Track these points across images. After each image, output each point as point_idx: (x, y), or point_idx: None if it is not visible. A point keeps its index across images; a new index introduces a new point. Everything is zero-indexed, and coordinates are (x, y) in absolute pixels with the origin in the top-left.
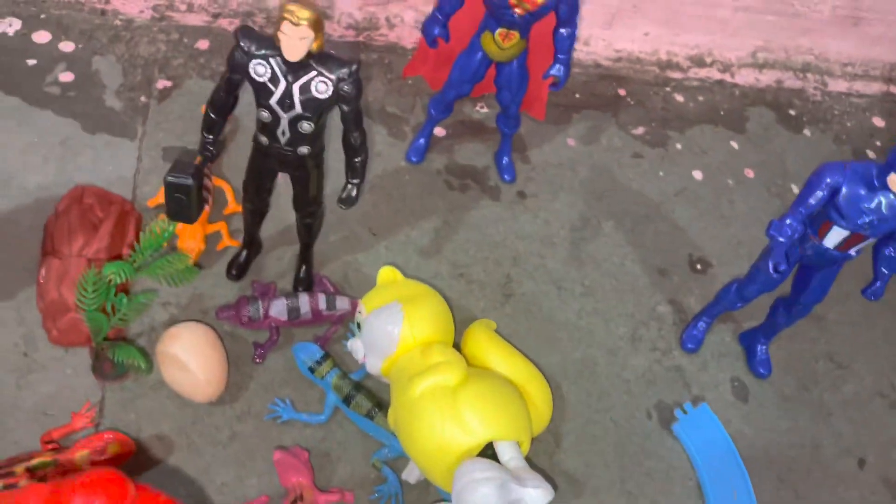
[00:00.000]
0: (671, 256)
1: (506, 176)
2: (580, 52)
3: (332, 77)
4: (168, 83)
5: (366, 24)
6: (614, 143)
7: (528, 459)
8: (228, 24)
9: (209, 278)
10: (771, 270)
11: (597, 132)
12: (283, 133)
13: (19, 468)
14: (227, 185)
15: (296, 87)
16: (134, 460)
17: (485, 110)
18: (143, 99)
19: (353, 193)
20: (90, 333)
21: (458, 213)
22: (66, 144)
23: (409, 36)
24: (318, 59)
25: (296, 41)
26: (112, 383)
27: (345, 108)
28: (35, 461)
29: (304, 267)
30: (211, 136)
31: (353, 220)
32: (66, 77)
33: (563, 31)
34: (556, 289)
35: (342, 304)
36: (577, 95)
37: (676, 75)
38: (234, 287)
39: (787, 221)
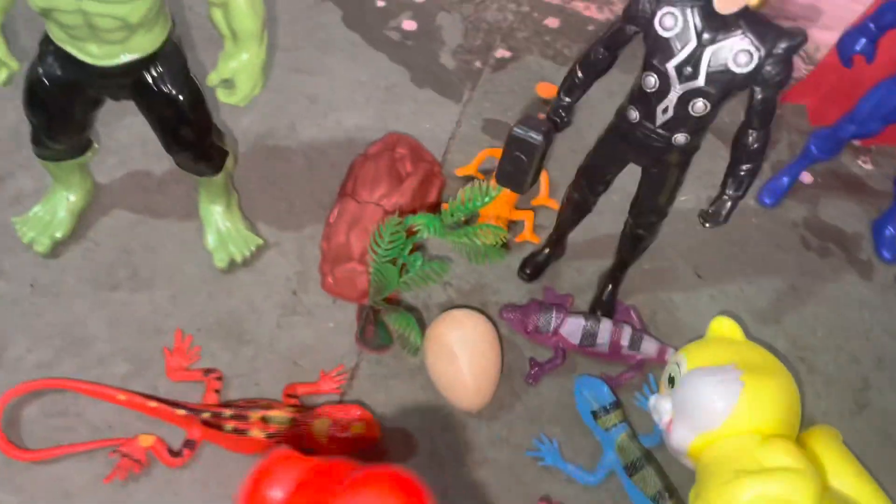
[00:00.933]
0: None
1: (885, 252)
2: None
3: (763, 48)
4: (507, 53)
5: None
6: None
7: None
8: (583, 8)
9: (498, 270)
10: None
11: None
12: (666, 111)
13: (255, 415)
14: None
15: (708, 52)
16: (373, 450)
17: (869, 167)
18: (477, 64)
19: (727, 208)
20: (373, 288)
21: (810, 279)
22: (392, 91)
23: (800, 66)
24: (749, 20)
25: None
26: (372, 352)
27: (759, 93)
28: (272, 413)
29: (609, 287)
30: (568, 100)
31: (677, 252)
32: (410, 25)
33: None
34: None
35: (649, 346)
36: None
37: None
38: (523, 287)
39: None
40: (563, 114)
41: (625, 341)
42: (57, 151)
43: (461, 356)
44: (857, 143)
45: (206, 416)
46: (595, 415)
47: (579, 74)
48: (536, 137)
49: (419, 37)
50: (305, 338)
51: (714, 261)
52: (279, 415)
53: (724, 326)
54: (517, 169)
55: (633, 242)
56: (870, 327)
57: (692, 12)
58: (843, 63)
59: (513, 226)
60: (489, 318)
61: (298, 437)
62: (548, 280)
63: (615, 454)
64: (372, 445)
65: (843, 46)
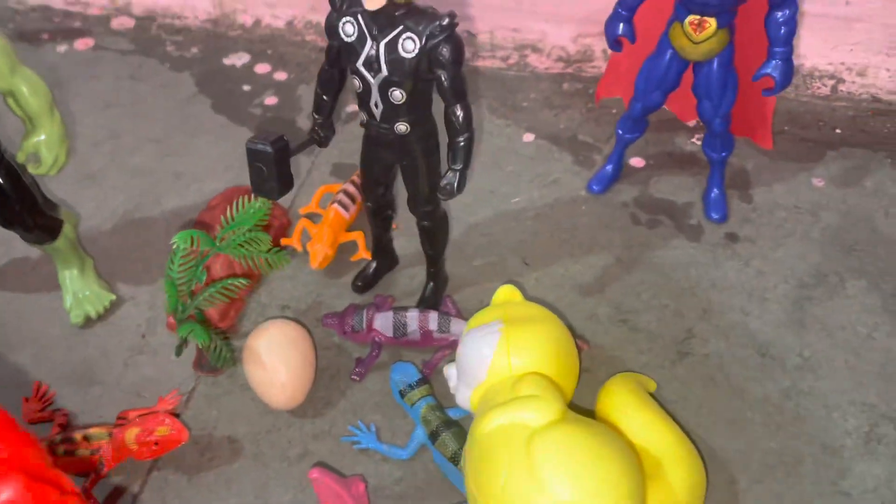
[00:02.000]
0: None
1: (713, 213)
2: (850, 85)
3: (420, 33)
4: (356, 107)
5: (578, 56)
6: (885, 188)
7: None
8: None
9: (335, 288)
10: None
11: (860, 173)
12: (377, 105)
13: (79, 435)
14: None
15: (381, 46)
16: (192, 455)
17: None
18: None
19: (454, 182)
20: (167, 303)
21: (637, 250)
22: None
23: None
24: (407, 13)
25: None
26: (207, 375)
27: (441, 74)
28: (92, 430)
29: (430, 285)
30: (318, 117)
31: (506, 246)
32: (272, 101)
33: (777, 15)
34: (758, 355)
35: (457, 327)
36: (838, 131)
37: None
38: (358, 300)
39: None
40: (319, 131)
41: (433, 326)
42: None
43: (268, 358)
44: (690, 123)
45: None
46: (402, 393)
47: (320, 92)
48: (265, 147)
49: (280, 108)
50: (149, 373)
51: (542, 249)
52: (98, 431)
53: (505, 293)
54: (261, 178)
55: (426, 235)
56: (696, 283)
57: (361, 16)
58: (611, 47)
59: (348, 246)
60: (303, 325)
61: (116, 449)
62: (382, 290)
63: (422, 427)
64: (177, 445)
65: (607, 33)
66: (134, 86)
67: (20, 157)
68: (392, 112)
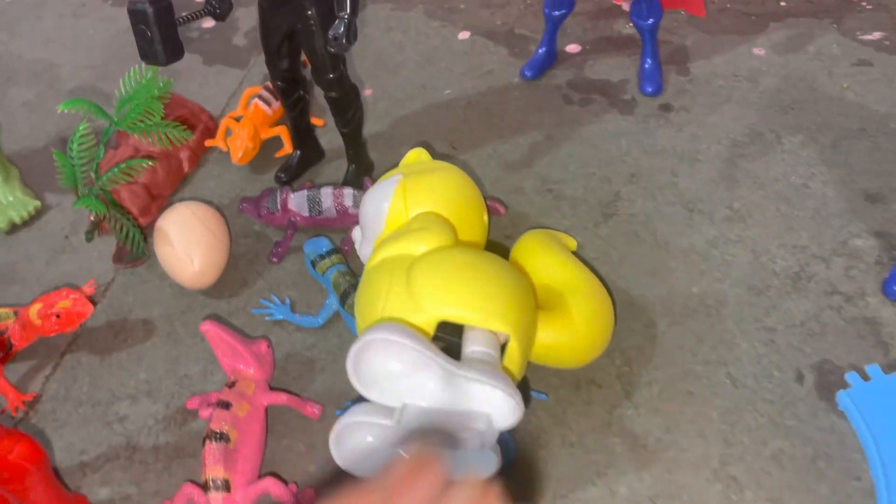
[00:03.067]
0: (895, 179)
1: (647, 86)
2: None
3: None
4: None
5: None
6: (829, 51)
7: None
8: None
9: (259, 183)
10: None
11: (803, 40)
12: None
13: None
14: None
15: None
16: (106, 338)
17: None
18: None
19: (341, 30)
20: (63, 177)
21: (568, 127)
22: (184, 74)
23: None
24: None
25: None
26: (125, 267)
27: None
28: (0, 311)
29: (351, 167)
30: None
31: (436, 133)
32: (208, 24)
33: None
34: (686, 211)
35: None
36: (783, 3)
37: None
38: None
39: None
40: (213, 2)
41: (348, 201)
42: None
43: (174, 237)
44: (624, 5)
45: None
46: (314, 263)
47: None
48: (143, 5)
49: (216, 30)
50: (70, 269)
51: (472, 134)
52: (4, 311)
53: (414, 155)
54: (146, 41)
55: (335, 108)
56: (626, 152)
57: None
58: None
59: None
60: (218, 209)
61: (22, 327)
62: (306, 181)
63: (332, 292)
64: (82, 318)
65: None
66: (75, 23)
67: None
68: None
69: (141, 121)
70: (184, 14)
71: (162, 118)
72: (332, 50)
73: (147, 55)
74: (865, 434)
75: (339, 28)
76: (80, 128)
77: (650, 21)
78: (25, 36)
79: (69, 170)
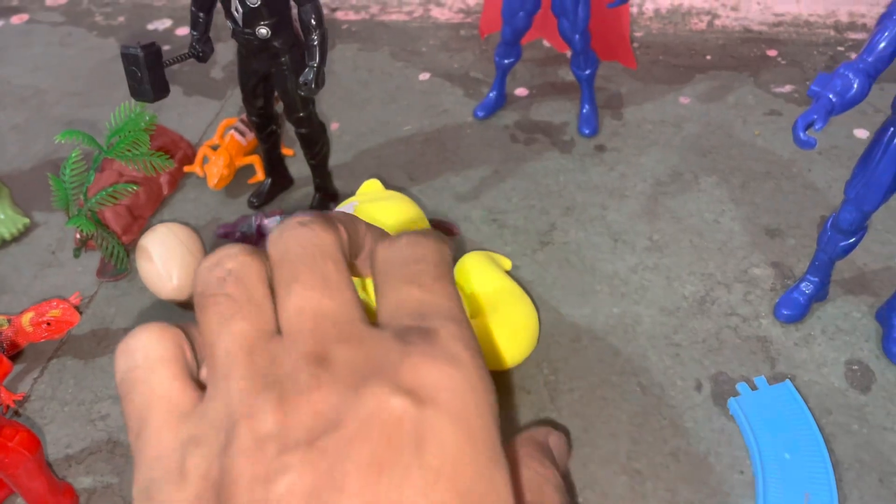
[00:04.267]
0: (792, 217)
1: (584, 129)
2: (725, 19)
3: None
4: None
5: (478, 7)
6: (745, 101)
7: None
8: (381, 12)
9: (233, 206)
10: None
11: (723, 91)
12: (237, 9)
13: None
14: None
15: None
16: (90, 345)
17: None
18: None
19: (310, 77)
20: (56, 199)
21: (513, 163)
22: (163, 104)
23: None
24: None
25: None
26: (108, 281)
27: None
28: None
29: (317, 195)
30: (196, 34)
31: (395, 165)
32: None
33: None
34: (612, 241)
35: None
36: (708, 57)
37: (858, 36)
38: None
39: (841, 71)
40: (197, 47)
41: None
42: None
43: (154, 252)
44: (568, 53)
45: None
46: None
47: (195, 10)
48: (135, 50)
49: (195, 63)
50: (56, 282)
51: (427, 167)
52: (1, 319)
53: (369, 186)
54: (136, 81)
55: (304, 143)
56: (563, 187)
57: None
58: None
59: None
60: (194, 230)
61: (14, 334)
62: (277, 206)
63: None
64: (69, 326)
65: None
66: (62, 51)
67: None
68: (252, 15)
69: (129, 150)
70: (171, 57)
71: (148, 148)
72: (303, 93)
73: (137, 93)
74: (749, 435)
75: (309, 75)
76: (73, 154)
77: (587, 72)
78: (14, 62)
79: (63, 192)
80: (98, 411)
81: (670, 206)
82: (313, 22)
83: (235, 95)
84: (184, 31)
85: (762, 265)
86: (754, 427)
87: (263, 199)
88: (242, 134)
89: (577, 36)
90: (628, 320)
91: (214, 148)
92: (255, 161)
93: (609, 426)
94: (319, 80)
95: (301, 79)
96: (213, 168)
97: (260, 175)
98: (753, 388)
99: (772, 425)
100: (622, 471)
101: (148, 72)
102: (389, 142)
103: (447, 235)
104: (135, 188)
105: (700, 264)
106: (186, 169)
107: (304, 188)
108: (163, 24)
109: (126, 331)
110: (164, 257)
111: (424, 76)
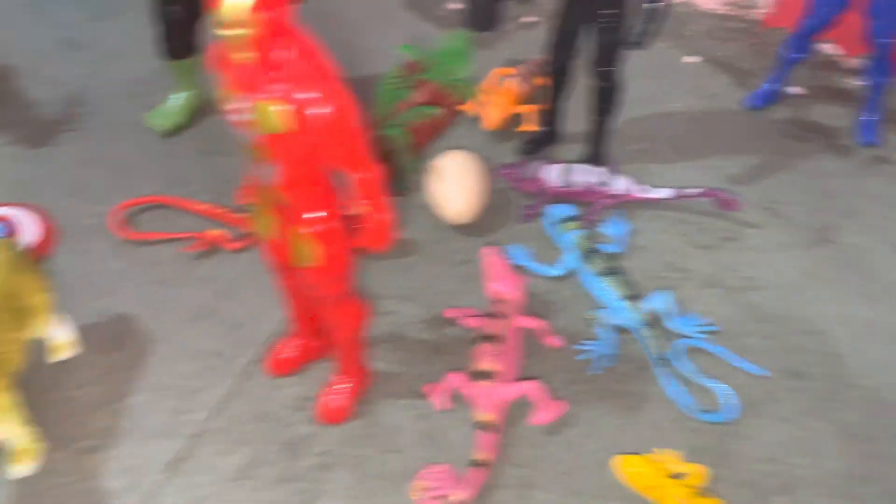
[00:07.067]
0: None
1: (864, 136)
2: None
3: None
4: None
5: (746, 2)
6: None
7: None
8: None
9: (501, 149)
10: None
11: None
12: None
13: None
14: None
15: None
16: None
17: (860, 83)
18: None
19: (649, 25)
20: (378, 107)
21: (784, 158)
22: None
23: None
24: None
25: None
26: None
27: None
28: None
29: (591, 151)
30: None
31: (660, 135)
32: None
33: None
34: (893, 252)
35: (619, 183)
36: None
37: None
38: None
39: None
40: None
41: (595, 178)
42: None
43: (446, 174)
44: (854, 61)
45: None
46: (558, 224)
47: None
48: None
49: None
50: None
51: (692, 144)
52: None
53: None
54: (477, 6)
55: (601, 97)
56: (841, 190)
57: None
58: None
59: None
60: (484, 161)
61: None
62: (547, 158)
63: (573, 253)
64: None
65: None
66: None
67: None
68: None
69: (446, 74)
70: None
71: (461, 77)
72: (634, 45)
73: (475, 22)
74: None
75: (645, 27)
76: (393, 69)
77: (882, 79)
78: None
79: (385, 101)
80: (385, 307)
81: None
82: None
83: (507, 48)
84: None
85: None
86: None
87: (533, 146)
88: (523, 82)
89: (888, 40)
90: None
91: (490, 93)
92: (530, 110)
93: None
94: (653, 34)
95: (631, 35)
96: (491, 109)
97: (531, 123)
98: None
99: None
100: None
101: (494, 2)
102: (655, 115)
103: (727, 210)
104: (437, 111)
105: None
106: (463, 108)
107: (566, 145)
108: None
109: (405, 242)
110: (455, 181)
111: (689, 59)
